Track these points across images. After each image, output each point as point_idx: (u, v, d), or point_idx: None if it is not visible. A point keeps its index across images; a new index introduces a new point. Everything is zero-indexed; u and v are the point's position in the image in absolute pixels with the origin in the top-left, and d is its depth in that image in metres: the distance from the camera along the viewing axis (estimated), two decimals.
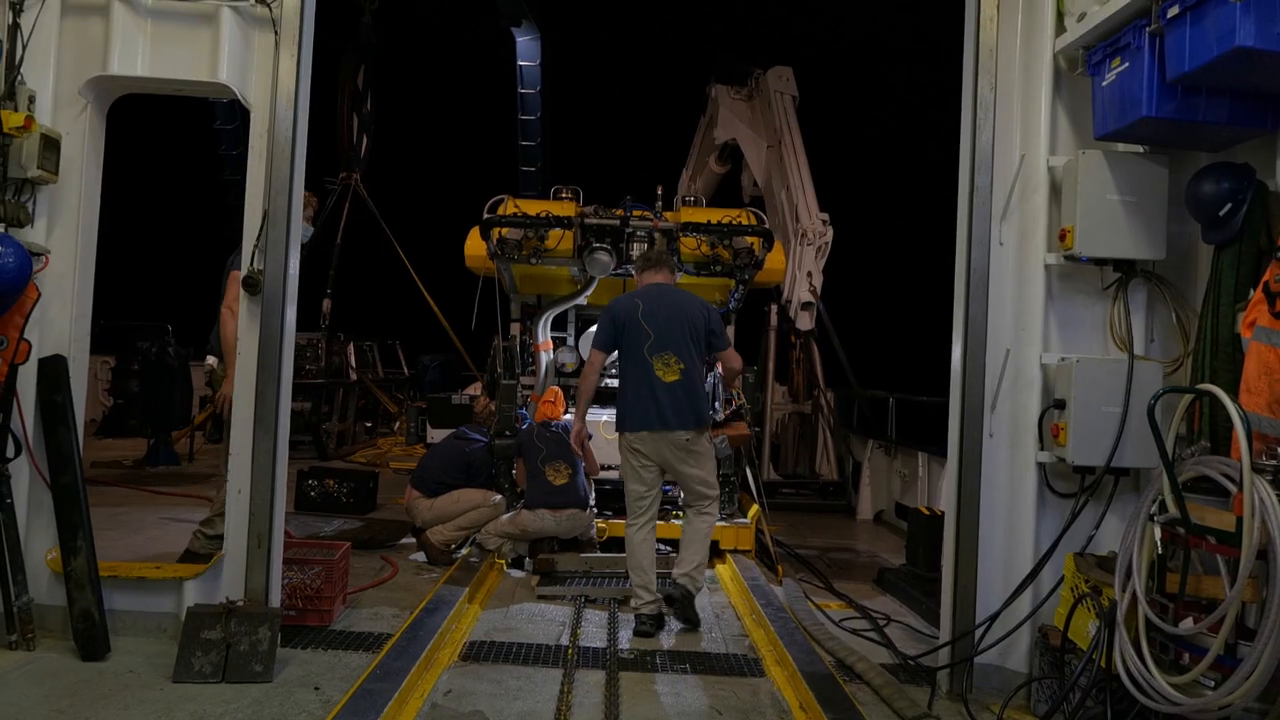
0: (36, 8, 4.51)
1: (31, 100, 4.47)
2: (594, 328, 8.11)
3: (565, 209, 7.58)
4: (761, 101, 11.97)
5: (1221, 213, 3.82)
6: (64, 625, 4.54)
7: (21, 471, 4.58)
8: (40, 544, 4.66)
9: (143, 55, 4.70)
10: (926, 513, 6.75)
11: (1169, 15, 3.57)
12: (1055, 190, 4.44)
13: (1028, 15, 4.51)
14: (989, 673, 4.41)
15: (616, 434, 5.63)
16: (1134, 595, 3.40)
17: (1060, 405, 4.29)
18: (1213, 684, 3.05)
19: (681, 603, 5.40)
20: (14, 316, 4.35)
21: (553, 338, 8.33)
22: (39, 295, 4.49)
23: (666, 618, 5.47)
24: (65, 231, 4.72)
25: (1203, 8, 3.38)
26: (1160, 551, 3.39)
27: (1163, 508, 3.40)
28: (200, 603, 4.54)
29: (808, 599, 5.99)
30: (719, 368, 7.81)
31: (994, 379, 4.46)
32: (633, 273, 7.65)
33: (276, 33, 4.64)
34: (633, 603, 5.47)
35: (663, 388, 5.41)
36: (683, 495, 5.83)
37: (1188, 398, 3.67)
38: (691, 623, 5.40)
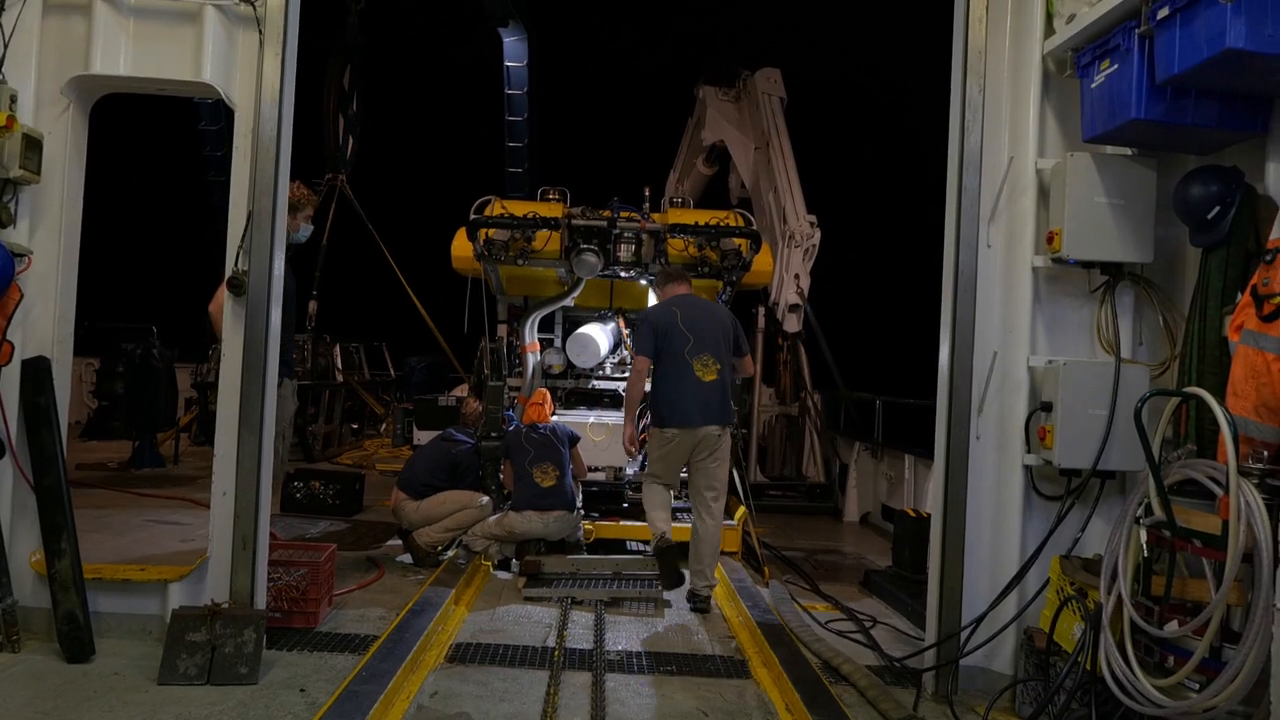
0: (18, 6, 4.46)
1: (13, 100, 4.42)
2: (582, 329, 8.14)
3: (552, 210, 7.57)
4: (750, 103, 11.98)
5: (1210, 216, 3.83)
6: (48, 627, 4.50)
7: (5, 473, 4.54)
8: (24, 546, 4.62)
9: (125, 54, 4.65)
10: (913, 515, 6.77)
11: (1159, 17, 3.58)
12: (1043, 192, 4.45)
13: (1017, 17, 4.52)
14: (974, 675, 4.42)
15: (656, 429, 6.02)
16: (1119, 598, 3.41)
17: (1047, 408, 4.31)
18: (1197, 687, 3.07)
19: (706, 601, 5.90)
20: None
21: (540, 339, 8.31)
22: (21, 296, 4.45)
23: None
24: (48, 232, 4.67)
25: (1193, 9, 3.39)
26: (1146, 554, 3.41)
27: (1149, 511, 3.42)
28: (185, 605, 4.51)
29: (794, 601, 5.99)
30: None
31: (981, 381, 4.47)
32: (620, 274, 7.68)
33: (261, 31, 4.60)
34: (658, 540, 5.91)
35: (702, 387, 5.85)
36: (692, 493, 6.08)
37: (1174, 401, 3.69)
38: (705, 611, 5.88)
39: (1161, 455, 3.53)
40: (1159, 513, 3.34)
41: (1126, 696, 3.28)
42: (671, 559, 5.82)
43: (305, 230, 5.97)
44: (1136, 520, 3.44)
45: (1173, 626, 3.20)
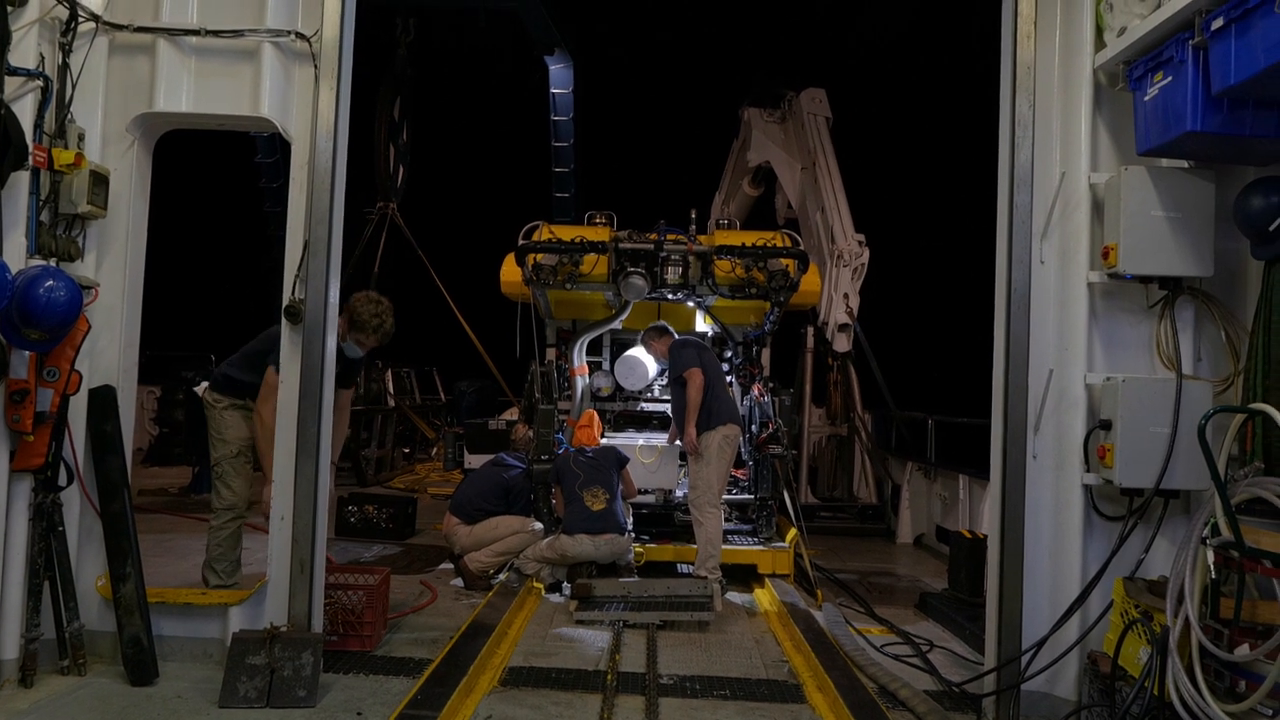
0: (85, 48, 4.64)
1: (81, 138, 4.60)
2: (629, 351, 8.18)
3: (599, 234, 7.63)
4: (795, 123, 11.98)
5: (1272, 228, 3.76)
6: (114, 650, 4.62)
7: (72, 500, 4.67)
8: (90, 571, 4.74)
9: (187, 92, 4.81)
10: (969, 536, 6.64)
11: (1213, 28, 3.53)
12: (1097, 207, 4.39)
13: (1066, 31, 4.49)
14: (1036, 700, 4.32)
15: (714, 431, 6.73)
16: (1187, 621, 3.32)
17: (1106, 426, 4.22)
18: (1270, 712, 2.98)
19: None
20: (65, 348, 4.45)
21: (588, 362, 8.35)
22: (89, 327, 4.59)
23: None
24: (114, 265, 4.84)
25: (1249, 19, 3.35)
26: (1214, 576, 3.32)
27: (1215, 531, 3.33)
28: (245, 628, 4.59)
29: (848, 624, 5.91)
30: (755, 389, 7.83)
31: (1037, 400, 4.40)
32: (668, 297, 7.71)
33: (316, 66, 4.73)
34: (717, 575, 6.55)
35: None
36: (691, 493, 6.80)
37: (1240, 417, 3.60)
38: None
39: (1228, 474, 3.44)
40: (1226, 533, 3.25)
41: None
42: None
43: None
44: (1203, 540, 3.35)
45: (1243, 650, 3.10)
